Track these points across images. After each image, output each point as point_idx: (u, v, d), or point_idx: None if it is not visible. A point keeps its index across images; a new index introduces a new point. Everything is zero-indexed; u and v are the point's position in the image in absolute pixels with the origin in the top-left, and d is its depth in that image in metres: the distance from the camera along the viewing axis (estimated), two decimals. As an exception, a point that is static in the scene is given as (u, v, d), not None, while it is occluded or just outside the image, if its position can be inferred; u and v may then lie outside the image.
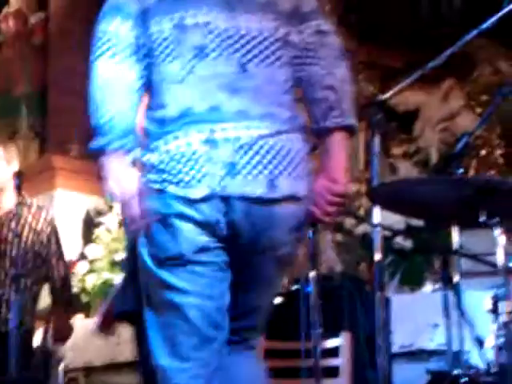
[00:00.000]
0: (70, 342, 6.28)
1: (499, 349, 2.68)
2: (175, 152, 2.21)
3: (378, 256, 2.50)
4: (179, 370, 2.23)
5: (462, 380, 2.58)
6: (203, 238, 2.21)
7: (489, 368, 2.77)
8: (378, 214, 2.47)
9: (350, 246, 5.28)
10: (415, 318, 4.59)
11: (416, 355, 4.56)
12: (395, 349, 4.54)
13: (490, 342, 2.94)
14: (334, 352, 3.68)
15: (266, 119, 2.25)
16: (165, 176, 2.20)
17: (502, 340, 2.62)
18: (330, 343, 3.66)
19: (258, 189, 2.20)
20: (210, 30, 2.27)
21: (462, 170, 3.30)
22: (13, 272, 3.75)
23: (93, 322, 3.43)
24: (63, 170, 7.89)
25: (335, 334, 3.71)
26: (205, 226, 2.20)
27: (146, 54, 2.31)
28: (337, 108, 2.38)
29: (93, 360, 5.98)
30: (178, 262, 2.21)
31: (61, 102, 8.21)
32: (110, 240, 6.48)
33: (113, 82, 2.29)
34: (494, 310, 2.66)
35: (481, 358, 3.03)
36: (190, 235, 2.20)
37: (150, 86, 2.32)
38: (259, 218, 2.21)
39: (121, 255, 5.70)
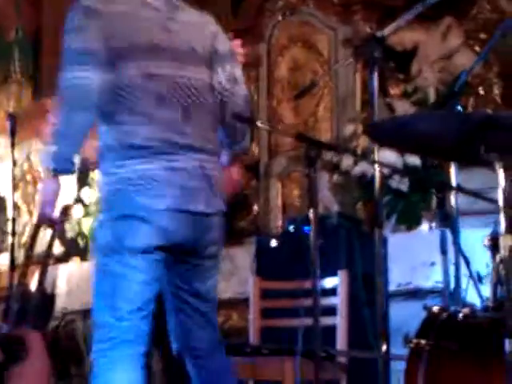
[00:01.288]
0: (66, 285, 6.31)
1: (496, 284, 2.68)
2: (142, 173, 2.84)
3: (377, 197, 2.49)
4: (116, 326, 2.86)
5: (460, 315, 2.58)
6: (154, 239, 2.85)
7: (486, 304, 2.77)
8: (376, 152, 2.45)
9: (347, 186, 5.26)
10: (412, 256, 4.60)
11: (413, 294, 4.58)
12: (392, 288, 4.56)
13: (487, 278, 2.94)
14: (331, 291, 3.69)
15: (203, 152, 2.93)
16: (133, 188, 2.83)
17: (500, 275, 2.61)
18: (328, 282, 3.67)
19: (199, 205, 2.92)
20: (168, 80, 2.89)
21: (460, 108, 3.27)
22: None
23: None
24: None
25: (333, 274, 3.72)
26: (160, 230, 2.84)
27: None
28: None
29: (90, 302, 6.01)
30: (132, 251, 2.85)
31: (54, 45, 8.13)
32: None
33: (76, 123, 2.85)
34: (493, 246, 2.65)
35: (478, 294, 3.03)
36: (146, 234, 2.83)
37: (110, 115, 2.88)
38: (200, 227, 2.93)
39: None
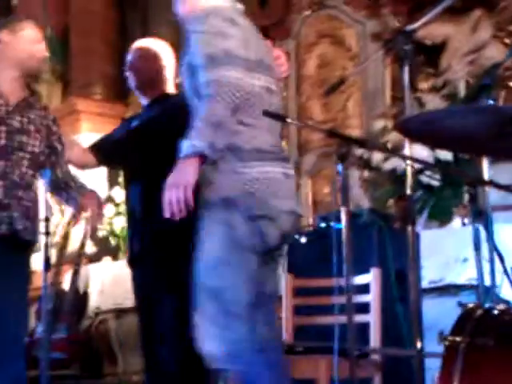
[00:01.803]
0: (99, 285, 6.33)
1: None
2: (269, 175, 2.93)
3: (409, 193, 2.47)
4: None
5: (495, 312, 2.55)
6: (278, 240, 2.97)
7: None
8: (407, 147, 2.43)
9: (378, 182, 5.24)
10: (444, 252, 4.57)
11: (446, 290, 4.54)
12: (425, 284, 4.53)
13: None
14: (364, 288, 3.67)
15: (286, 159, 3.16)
16: (264, 189, 2.90)
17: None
18: (360, 280, 3.65)
19: (299, 208, 3.10)
20: (271, 93, 3.06)
21: (491, 101, 3.24)
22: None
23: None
24: (87, 112, 7.88)
25: (365, 271, 3.70)
26: (281, 231, 2.95)
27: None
28: None
29: (122, 302, 6.03)
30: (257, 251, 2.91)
31: (82, 45, 8.17)
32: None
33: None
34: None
35: (513, 290, 3.00)
36: (274, 235, 2.93)
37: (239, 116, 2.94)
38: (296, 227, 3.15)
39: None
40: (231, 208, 2.86)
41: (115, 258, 6.71)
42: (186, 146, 2.77)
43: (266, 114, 2.72)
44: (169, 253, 3.46)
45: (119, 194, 6.58)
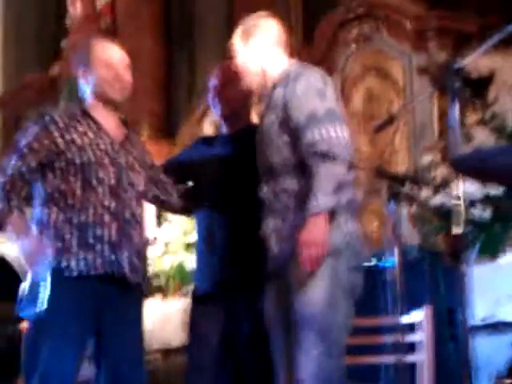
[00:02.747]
0: (147, 323, 6.33)
1: None
2: (356, 231, 3.13)
3: (459, 229, 2.44)
4: None
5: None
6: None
7: None
8: (459, 187, 2.41)
9: (426, 217, 5.18)
10: (496, 289, 4.50)
11: (498, 327, 4.47)
12: (476, 321, 4.45)
13: None
14: (415, 327, 3.62)
15: None
16: (358, 242, 3.12)
17: None
18: (412, 318, 3.60)
19: None
20: None
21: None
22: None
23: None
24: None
25: (416, 309, 3.65)
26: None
27: None
28: None
29: (171, 341, 6.02)
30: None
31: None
32: (183, 221, 6.49)
33: None
34: None
35: None
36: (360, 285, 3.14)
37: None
38: None
39: (194, 236, 5.71)
40: (336, 257, 3.04)
41: (164, 296, 6.70)
42: (318, 202, 2.98)
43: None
44: (257, 294, 3.32)
45: (168, 232, 6.59)
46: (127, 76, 3.40)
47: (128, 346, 3.28)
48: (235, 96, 3.50)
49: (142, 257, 3.36)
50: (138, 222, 3.33)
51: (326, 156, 2.99)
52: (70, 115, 3.37)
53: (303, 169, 3.09)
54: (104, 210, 3.24)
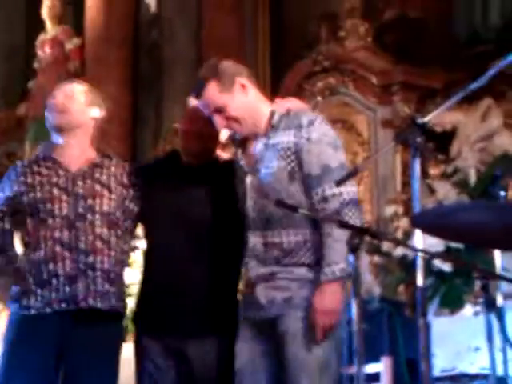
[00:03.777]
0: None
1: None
2: None
3: (420, 281, 2.47)
4: None
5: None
6: None
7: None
8: (419, 240, 2.44)
9: (389, 268, 5.22)
10: (456, 341, 4.53)
11: (458, 379, 4.49)
12: (436, 372, 4.48)
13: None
14: (374, 377, 3.63)
15: None
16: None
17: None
18: (371, 368, 3.61)
19: None
20: None
21: (503, 193, 3.25)
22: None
23: None
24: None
25: (376, 359, 3.66)
26: None
27: None
28: None
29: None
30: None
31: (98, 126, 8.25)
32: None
33: None
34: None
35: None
36: None
37: None
38: None
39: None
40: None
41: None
42: (335, 269, 2.87)
43: (278, 203, 2.71)
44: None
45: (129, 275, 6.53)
46: (56, 100, 3.30)
47: (95, 381, 3.18)
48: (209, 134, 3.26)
49: (114, 280, 3.23)
50: (106, 244, 3.23)
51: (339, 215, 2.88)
52: (31, 159, 3.41)
53: (305, 223, 2.96)
54: (56, 242, 3.20)
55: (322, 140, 2.97)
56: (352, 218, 2.88)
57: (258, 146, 3.06)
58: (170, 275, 3.23)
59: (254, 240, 3.01)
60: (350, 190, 2.93)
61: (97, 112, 3.36)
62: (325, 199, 2.91)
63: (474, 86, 2.48)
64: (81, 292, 3.17)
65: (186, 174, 3.31)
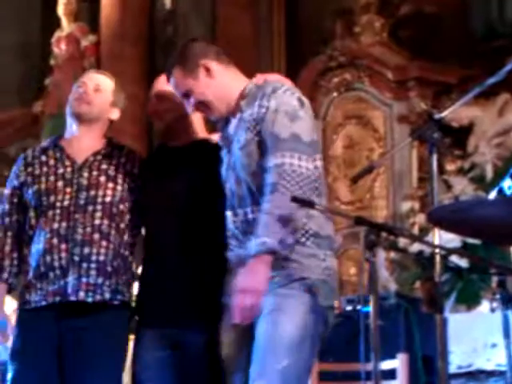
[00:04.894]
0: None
1: None
2: (335, 266, 2.84)
3: (437, 279, 2.46)
4: None
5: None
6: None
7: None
8: (436, 237, 2.43)
9: (405, 264, 5.21)
10: (473, 338, 4.51)
11: (474, 376, 4.47)
12: (453, 369, 4.46)
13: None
14: (390, 374, 3.62)
15: None
16: (333, 281, 2.83)
17: None
18: (387, 365, 3.60)
19: None
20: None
21: (520, 188, 3.23)
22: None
23: None
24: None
25: (392, 356, 3.65)
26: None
27: None
28: None
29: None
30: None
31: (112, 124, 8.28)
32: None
33: None
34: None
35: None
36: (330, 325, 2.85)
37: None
38: None
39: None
40: (312, 292, 2.77)
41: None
42: (257, 243, 2.67)
43: (295, 199, 2.64)
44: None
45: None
46: (85, 89, 3.30)
47: (94, 377, 3.07)
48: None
49: (111, 273, 3.13)
50: (105, 236, 3.14)
51: (272, 186, 2.69)
52: (40, 148, 3.37)
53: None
54: (53, 233, 3.14)
55: (279, 109, 2.78)
56: (286, 191, 2.67)
57: (233, 123, 2.94)
58: (161, 264, 3.16)
59: (231, 219, 2.89)
60: (294, 162, 2.72)
61: (116, 114, 3.35)
62: (266, 170, 2.74)
63: (490, 81, 2.47)
64: (72, 285, 3.09)
65: (171, 157, 3.26)
